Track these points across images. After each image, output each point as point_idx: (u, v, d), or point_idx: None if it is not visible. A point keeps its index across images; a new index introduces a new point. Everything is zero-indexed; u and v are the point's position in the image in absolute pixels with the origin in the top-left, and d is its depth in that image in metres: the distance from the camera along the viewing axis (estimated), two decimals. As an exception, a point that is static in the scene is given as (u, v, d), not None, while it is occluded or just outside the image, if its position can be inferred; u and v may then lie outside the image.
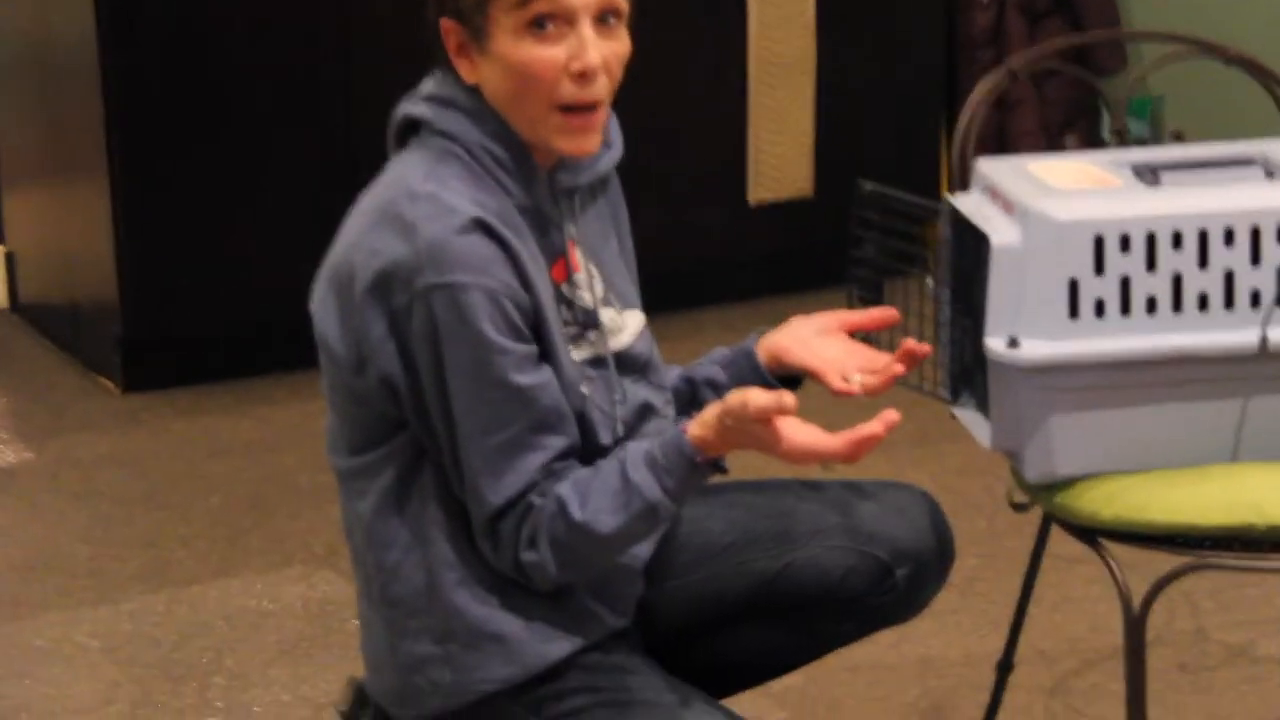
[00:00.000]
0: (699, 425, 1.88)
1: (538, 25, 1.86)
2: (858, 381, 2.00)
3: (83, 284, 4.11)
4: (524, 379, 1.88)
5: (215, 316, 3.98)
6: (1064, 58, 4.46)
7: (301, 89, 3.94)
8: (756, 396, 1.83)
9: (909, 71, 4.52)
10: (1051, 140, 4.65)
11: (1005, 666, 2.49)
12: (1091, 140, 4.72)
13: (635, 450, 1.91)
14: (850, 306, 2.34)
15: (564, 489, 1.90)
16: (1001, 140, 4.59)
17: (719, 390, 2.11)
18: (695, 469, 1.88)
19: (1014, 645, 2.48)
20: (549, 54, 1.87)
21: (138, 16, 3.80)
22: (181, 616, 3.08)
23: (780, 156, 4.39)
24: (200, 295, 3.95)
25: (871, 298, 2.28)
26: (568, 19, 1.87)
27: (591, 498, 1.89)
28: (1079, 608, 2.91)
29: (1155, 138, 4.71)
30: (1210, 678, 2.80)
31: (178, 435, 3.80)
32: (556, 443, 1.91)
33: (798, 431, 1.86)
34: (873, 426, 1.84)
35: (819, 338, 2.09)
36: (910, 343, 1.99)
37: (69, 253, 4.17)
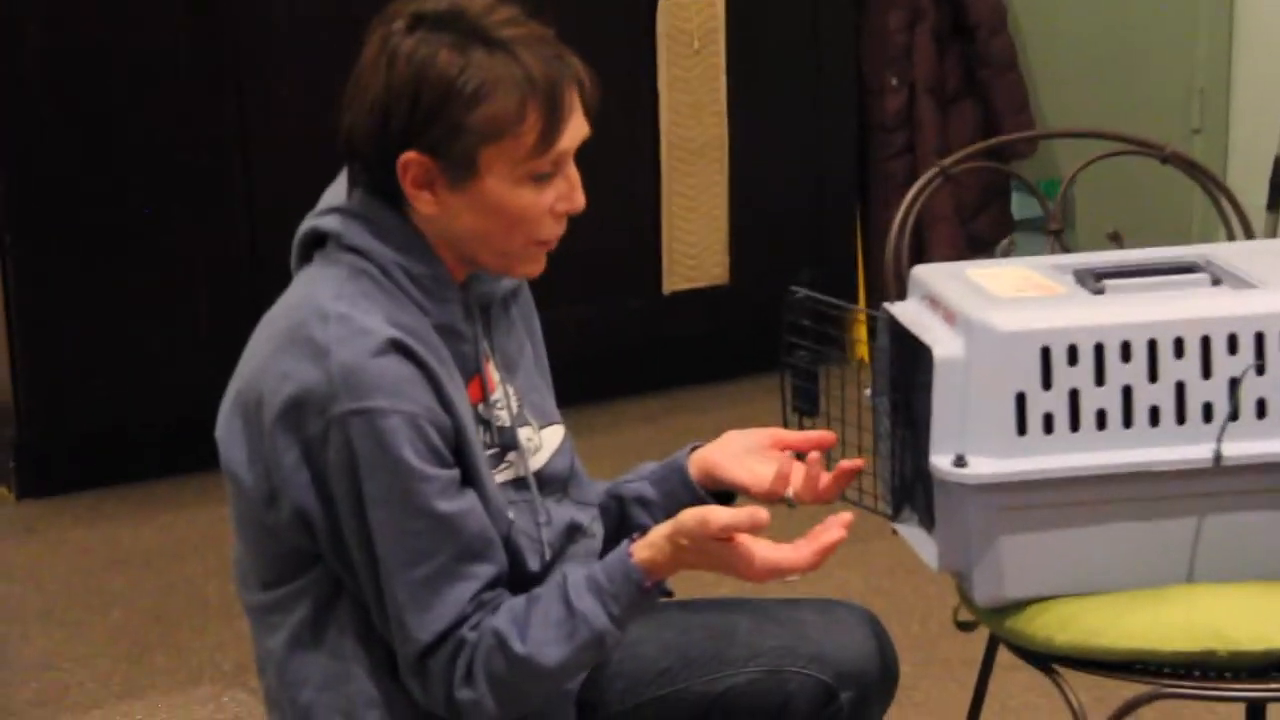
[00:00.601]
0: (647, 547, 1.82)
1: (540, 176, 1.83)
2: (793, 490, 1.97)
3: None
4: (449, 506, 1.80)
5: (114, 417, 3.83)
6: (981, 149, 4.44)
7: (201, 190, 3.81)
8: (718, 513, 1.79)
9: (821, 156, 4.47)
10: (965, 224, 4.61)
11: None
12: (1003, 223, 4.68)
13: (576, 576, 1.84)
14: (785, 414, 2.26)
15: (500, 621, 1.82)
16: (915, 227, 4.53)
17: (649, 507, 2.05)
18: (643, 593, 1.82)
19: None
20: (543, 199, 1.84)
21: (30, 114, 3.66)
22: (82, 745, 2.94)
23: (695, 244, 4.31)
24: (98, 396, 3.80)
25: (807, 408, 2.19)
26: (561, 165, 1.85)
27: (532, 629, 1.81)
28: (1019, 714, 2.81)
29: (1068, 220, 4.68)
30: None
31: (76, 545, 3.63)
32: (485, 571, 1.83)
33: (760, 547, 1.81)
34: (834, 532, 1.82)
35: (753, 454, 2.03)
36: (844, 464, 1.97)
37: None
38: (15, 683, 3.12)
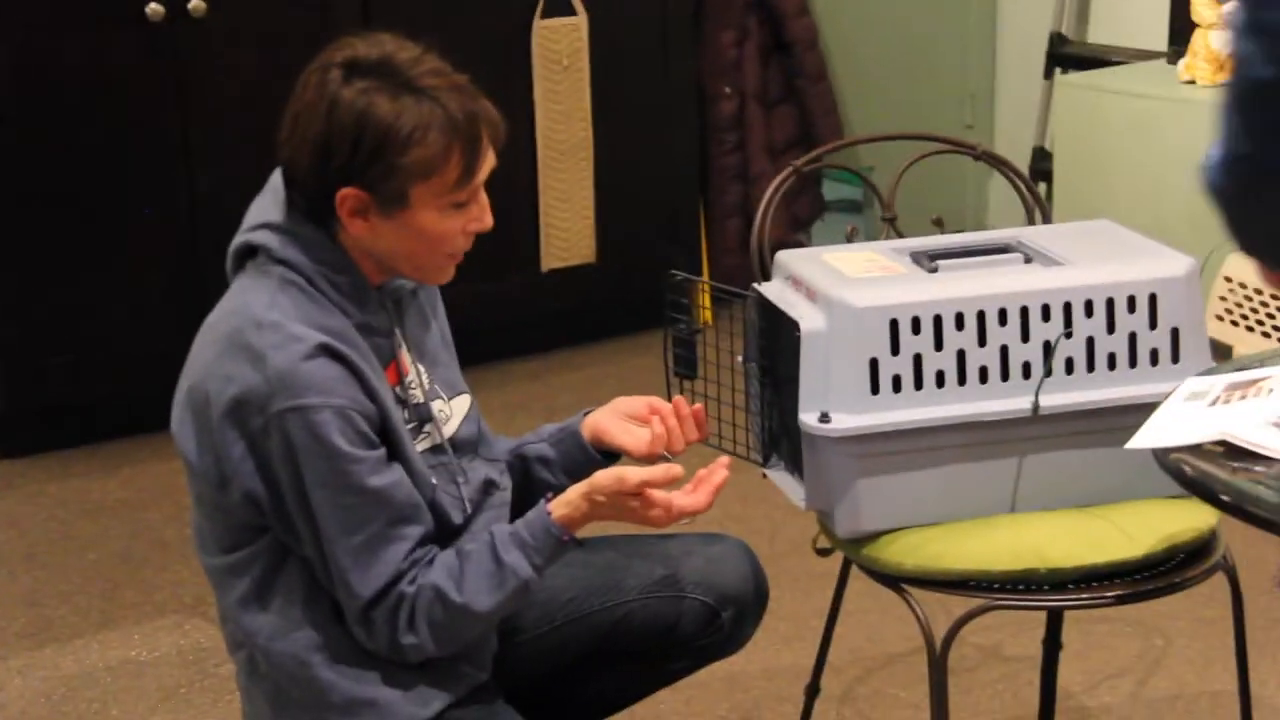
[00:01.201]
0: (563, 506, 1.77)
1: (458, 204, 1.75)
2: (666, 449, 1.93)
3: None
4: (378, 481, 1.72)
5: (81, 387, 3.64)
6: (804, 145, 4.38)
7: (154, 191, 3.62)
8: (633, 472, 1.74)
9: (669, 153, 4.37)
10: (789, 207, 4.54)
11: (813, 690, 2.33)
12: (817, 204, 4.64)
13: (502, 533, 1.77)
14: (667, 377, 2.18)
15: (437, 576, 1.75)
16: (746, 208, 4.48)
17: (549, 465, 1.98)
18: (561, 545, 1.77)
19: (820, 672, 2.33)
20: (459, 222, 1.76)
21: (6, 112, 3.44)
22: (67, 670, 2.78)
23: (567, 229, 4.21)
24: (67, 368, 3.61)
25: (687, 371, 2.11)
26: (475, 194, 1.77)
27: (467, 581, 1.74)
28: (857, 620, 2.76)
29: (868, 201, 4.65)
30: (970, 678, 2.67)
31: (52, 497, 3.45)
32: (415, 532, 1.76)
33: (670, 496, 1.77)
34: (719, 474, 1.80)
35: (633, 420, 1.96)
36: (693, 409, 1.92)
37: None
38: (5, 618, 2.96)
